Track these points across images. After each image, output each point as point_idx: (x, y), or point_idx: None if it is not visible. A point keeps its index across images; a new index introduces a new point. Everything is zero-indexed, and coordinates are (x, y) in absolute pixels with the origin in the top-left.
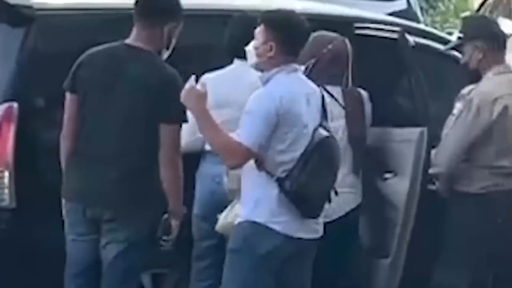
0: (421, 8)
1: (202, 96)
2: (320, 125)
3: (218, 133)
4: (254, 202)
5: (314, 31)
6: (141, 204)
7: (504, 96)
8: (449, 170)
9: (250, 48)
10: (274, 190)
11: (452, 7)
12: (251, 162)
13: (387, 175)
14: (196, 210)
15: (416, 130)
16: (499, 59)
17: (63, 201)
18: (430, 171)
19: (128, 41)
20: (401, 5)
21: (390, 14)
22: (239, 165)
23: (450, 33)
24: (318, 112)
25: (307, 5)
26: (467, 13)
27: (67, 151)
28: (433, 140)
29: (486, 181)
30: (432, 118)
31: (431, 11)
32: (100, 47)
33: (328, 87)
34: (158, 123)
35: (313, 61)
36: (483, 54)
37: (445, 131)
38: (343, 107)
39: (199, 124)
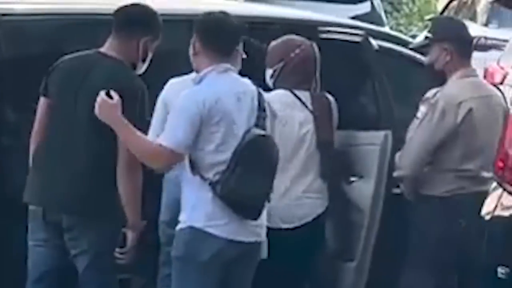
0: (386, 11)
1: (114, 107)
2: (257, 125)
3: (137, 139)
4: (190, 206)
5: (278, 35)
6: (99, 211)
7: (469, 100)
8: (413, 173)
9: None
10: (208, 194)
11: (416, 9)
12: (187, 166)
13: (353, 179)
14: (162, 216)
15: (381, 134)
16: (465, 62)
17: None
18: (394, 174)
19: (102, 49)
20: (365, 8)
21: (355, 18)
22: (165, 168)
23: (414, 36)
24: (253, 112)
25: (272, 10)
26: (431, 16)
27: (33, 152)
28: (398, 143)
29: (450, 184)
30: (396, 121)
31: (395, 13)
32: (75, 54)
33: (296, 92)
34: (109, 132)
35: (281, 64)
36: (450, 56)
37: (409, 134)
38: (311, 112)
39: (118, 133)
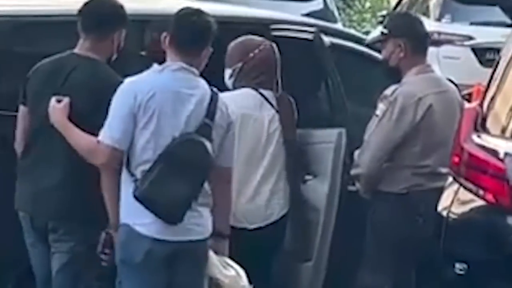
0: (338, 8)
1: (60, 110)
2: (197, 131)
3: (78, 136)
4: (123, 203)
5: (231, 34)
6: (84, 216)
7: (429, 95)
8: (370, 172)
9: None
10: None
11: (368, 5)
12: (124, 161)
13: (307, 177)
14: None
15: (334, 132)
16: (421, 58)
17: None
18: (352, 172)
19: (76, 50)
20: (317, 5)
21: (307, 15)
22: (105, 164)
23: (367, 33)
24: (196, 117)
25: (222, 8)
26: (384, 12)
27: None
28: (353, 142)
29: (408, 181)
30: (351, 119)
31: (348, 10)
32: (49, 58)
33: (262, 91)
34: (96, 132)
35: (239, 64)
36: (404, 52)
37: (368, 132)
38: (277, 111)
39: (63, 133)
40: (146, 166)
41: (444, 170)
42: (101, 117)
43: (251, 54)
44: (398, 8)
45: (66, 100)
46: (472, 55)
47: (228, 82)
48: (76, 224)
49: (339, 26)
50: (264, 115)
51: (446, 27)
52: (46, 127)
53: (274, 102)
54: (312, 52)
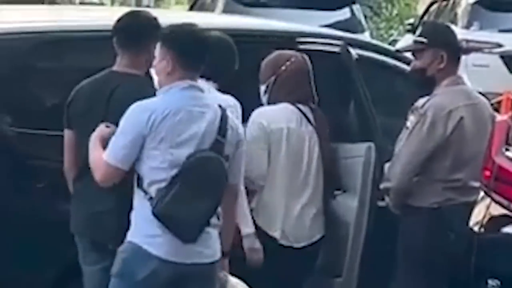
0: (365, 16)
1: (102, 131)
2: (212, 149)
3: (95, 150)
4: (134, 221)
5: (257, 48)
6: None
7: (460, 108)
8: (400, 185)
9: (152, 68)
10: (148, 210)
11: (395, 13)
12: (134, 180)
13: (337, 192)
14: None
15: (363, 146)
16: (455, 69)
17: None
18: (381, 185)
19: (115, 68)
20: (344, 14)
21: (334, 24)
22: (106, 181)
23: (395, 40)
24: (209, 134)
25: (249, 22)
26: (411, 20)
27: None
28: (383, 155)
29: (439, 195)
30: (379, 131)
31: (375, 18)
32: (89, 79)
33: (300, 106)
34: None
35: (272, 79)
36: (444, 63)
37: (398, 145)
38: (315, 127)
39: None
40: (162, 184)
41: (475, 184)
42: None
43: (283, 67)
44: (426, 16)
45: (113, 127)
46: (501, 63)
47: (263, 98)
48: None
49: (366, 35)
50: (305, 132)
51: (475, 34)
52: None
53: (311, 118)
54: (339, 65)
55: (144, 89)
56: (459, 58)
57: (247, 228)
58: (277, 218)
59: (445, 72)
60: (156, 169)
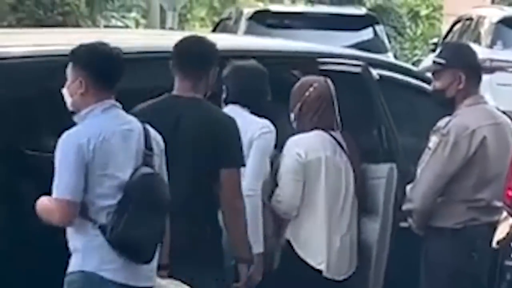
0: (389, 36)
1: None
2: (145, 164)
3: (41, 203)
4: (82, 251)
5: (277, 69)
6: (212, 258)
7: (482, 127)
8: (423, 207)
9: (64, 90)
10: (99, 237)
11: (420, 33)
12: None
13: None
14: None
15: (385, 167)
16: (475, 89)
17: None
18: (404, 207)
19: (176, 92)
20: (367, 34)
21: (357, 44)
22: (66, 220)
23: (419, 61)
24: (140, 150)
25: (269, 43)
26: (435, 39)
27: None
28: (405, 176)
29: (463, 215)
30: (401, 152)
31: (399, 38)
32: (148, 103)
33: (332, 133)
34: (218, 168)
35: (298, 106)
36: (463, 84)
37: (421, 165)
38: (348, 155)
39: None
40: (111, 210)
41: (498, 204)
42: (216, 158)
43: (307, 93)
44: (450, 36)
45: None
46: None
47: (294, 125)
48: (202, 265)
49: (390, 55)
50: (340, 159)
51: (498, 53)
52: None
53: (344, 145)
54: (360, 86)
55: (213, 113)
56: (480, 78)
57: (258, 248)
58: (321, 250)
59: (465, 92)
60: (104, 195)
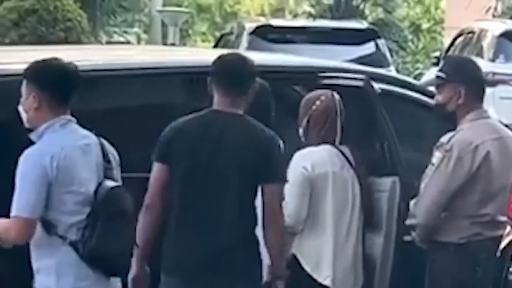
0: (391, 50)
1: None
2: (107, 177)
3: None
4: (55, 270)
5: (278, 83)
6: (248, 271)
7: (486, 142)
8: (427, 222)
9: (20, 106)
10: (71, 254)
11: (421, 46)
12: (39, 230)
13: None
14: None
15: (388, 180)
16: (478, 103)
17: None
18: (407, 222)
19: (218, 107)
20: (369, 48)
21: (359, 59)
22: (23, 238)
23: (421, 74)
24: (99, 164)
25: (271, 58)
26: (437, 53)
27: (151, 222)
28: (409, 189)
29: (467, 230)
30: (404, 166)
31: (401, 52)
32: (189, 118)
33: (340, 147)
34: (262, 184)
35: (305, 120)
36: (463, 99)
37: (424, 181)
38: (355, 170)
39: None
40: (80, 226)
41: (502, 218)
42: (260, 174)
43: (314, 107)
44: (452, 49)
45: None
46: None
47: (302, 140)
48: (239, 281)
49: (391, 69)
50: (347, 175)
51: (501, 67)
52: (208, 188)
53: (351, 159)
54: (362, 100)
55: (255, 128)
56: (482, 92)
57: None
58: (327, 265)
59: (466, 107)
60: (70, 212)
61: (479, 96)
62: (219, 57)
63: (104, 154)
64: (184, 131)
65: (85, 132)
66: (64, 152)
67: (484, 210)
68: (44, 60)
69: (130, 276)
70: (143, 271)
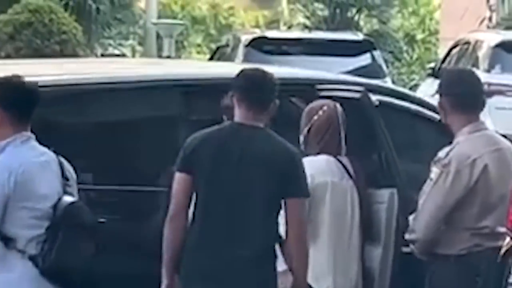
0: (387, 61)
1: None
2: (66, 192)
3: None
4: (16, 285)
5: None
6: (266, 284)
7: (484, 155)
8: (426, 237)
9: None
10: (31, 269)
11: (416, 57)
12: None
13: None
14: None
15: (386, 192)
16: (471, 116)
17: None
18: (407, 236)
19: (240, 120)
20: (365, 60)
21: (355, 70)
22: None
23: (417, 85)
24: (58, 179)
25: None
26: (432, 64)
27: (177, 231)
28: (408, 204)
29: (467, 242)
30: (403, 178)
31: (396, 63)
32: (210, 129)
33: (340, 158)
34: (285, 198)
35: (306, 129)
36: (444, 112)
37: (423, 196)
38: (355, 181)
39: None
40: (40, 239)
41: (502, 229)
42: (282, 187)
43: (315, 117)
44: (447, 60)
45: None
46: None
47: (302, 148)
48: None
49: (388, 81)
50: (346, 185)
51: (497, 77)
52: (231, 199)
53: (351, 170)
54: (360, 111)
55: (278, 142)
56: (475, 105)
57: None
58: (327, 275)
59: (459, 120)
60: (30, 226)
61: (470, 110)
62: (242, 71)
63: (63, 171)
64: (207, 141)
65: (44, 149)
66: (23, 167)
67: (484, 222)
68: (4, 78)
69: (162, 287)
70: (173, 281)
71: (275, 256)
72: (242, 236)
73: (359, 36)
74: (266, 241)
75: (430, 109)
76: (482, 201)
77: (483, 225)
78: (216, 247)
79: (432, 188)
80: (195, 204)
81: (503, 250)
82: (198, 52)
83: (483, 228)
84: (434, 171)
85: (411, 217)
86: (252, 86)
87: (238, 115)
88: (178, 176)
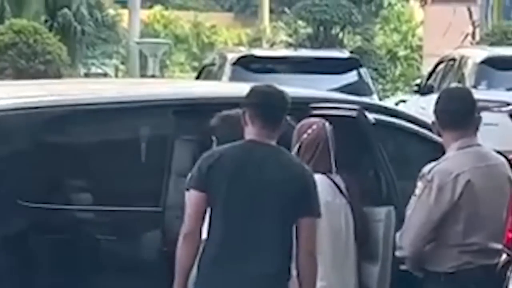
0: (372, 78)
1: None
2: None
3: None
4: None
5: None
6: None
7: (466, 172)
8: (413, 254)
9: None
10: None
11: (398, 73)
12: None
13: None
14: None
15: (383, 209)
16: (463, 134)
17: None
18: (396, 253)
19: (254, 137)
20: (352, 77)
21: (342, 87)
22: None
23: (404, 101)
24: None
25: None
26: (418, 80)
27: (192, 249)
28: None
29: (456, 259)
30: (401, 196)
31: (380, 79)
32: (225, 147)
33: (332, 176)
34: (299, 217)
35: (297, 147)
36: (438, 129)
37: (407, 212)
38: (347, 200)
39: None
40: None
41: (496, 246)
42: (297, 206)
43: (305, 135)
44: (433, 76)
45: None
46: (510, 121)
47: None
48: None
49: (375, 97)
50: (340, 204)
51: (483, 93)
52: (247, 218)
53: (343, 189)
54: (356, 129)
55: (292, 161)
56: (462, 122)
57: None
58: None
59: (447, 136)
60: None
61: (466, 125)
62: (255, 89)
63: None
64: (222, 159)
65: None
66: None
67: (472, 239)
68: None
69: None
70: None
71: (289, 275)
72: (258, 254)
73: (345, 54)
74: (283, 259)
75: (423, 127)
76: (468, 217)
77: (471, 241)
78: (237, 263)
79: (416, 204)
80: (210, 220)
81: (498, 267)
82: (181, 71)
83: (472, 244)
84: (419, 186)
85: (397, 234)
86: (267, 103)
87: (252, 132)
88: (193, 194)
